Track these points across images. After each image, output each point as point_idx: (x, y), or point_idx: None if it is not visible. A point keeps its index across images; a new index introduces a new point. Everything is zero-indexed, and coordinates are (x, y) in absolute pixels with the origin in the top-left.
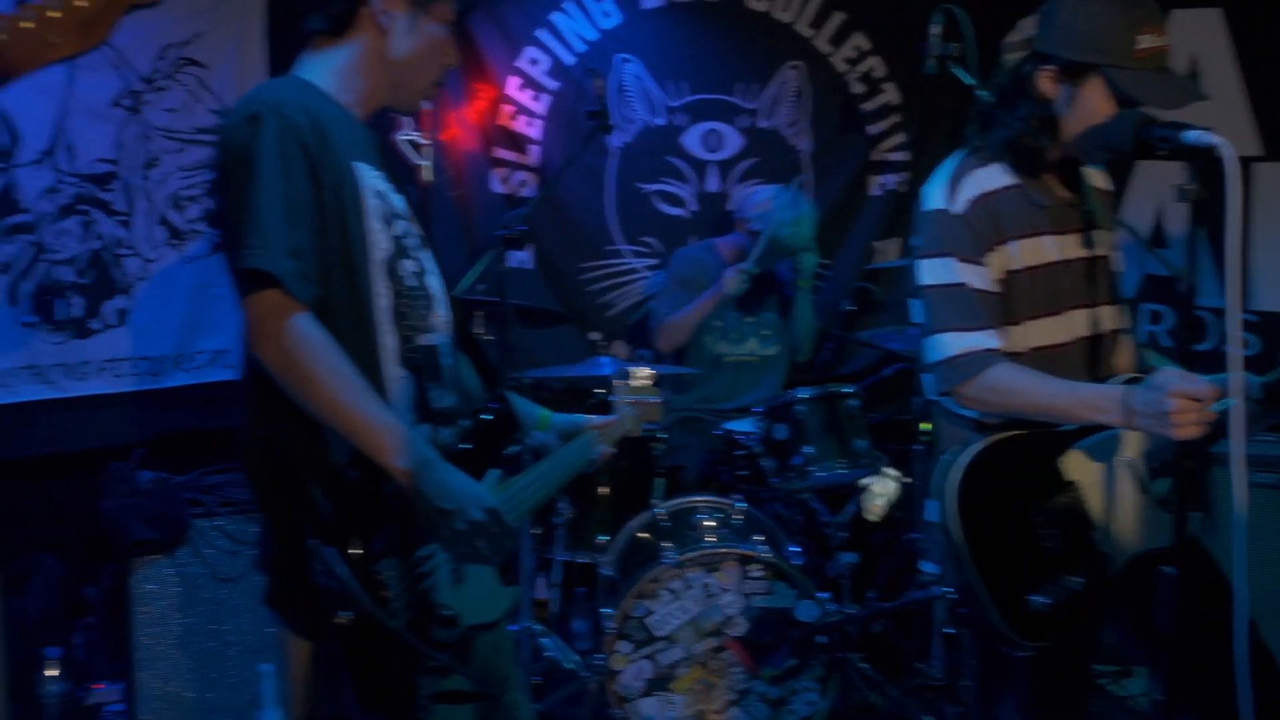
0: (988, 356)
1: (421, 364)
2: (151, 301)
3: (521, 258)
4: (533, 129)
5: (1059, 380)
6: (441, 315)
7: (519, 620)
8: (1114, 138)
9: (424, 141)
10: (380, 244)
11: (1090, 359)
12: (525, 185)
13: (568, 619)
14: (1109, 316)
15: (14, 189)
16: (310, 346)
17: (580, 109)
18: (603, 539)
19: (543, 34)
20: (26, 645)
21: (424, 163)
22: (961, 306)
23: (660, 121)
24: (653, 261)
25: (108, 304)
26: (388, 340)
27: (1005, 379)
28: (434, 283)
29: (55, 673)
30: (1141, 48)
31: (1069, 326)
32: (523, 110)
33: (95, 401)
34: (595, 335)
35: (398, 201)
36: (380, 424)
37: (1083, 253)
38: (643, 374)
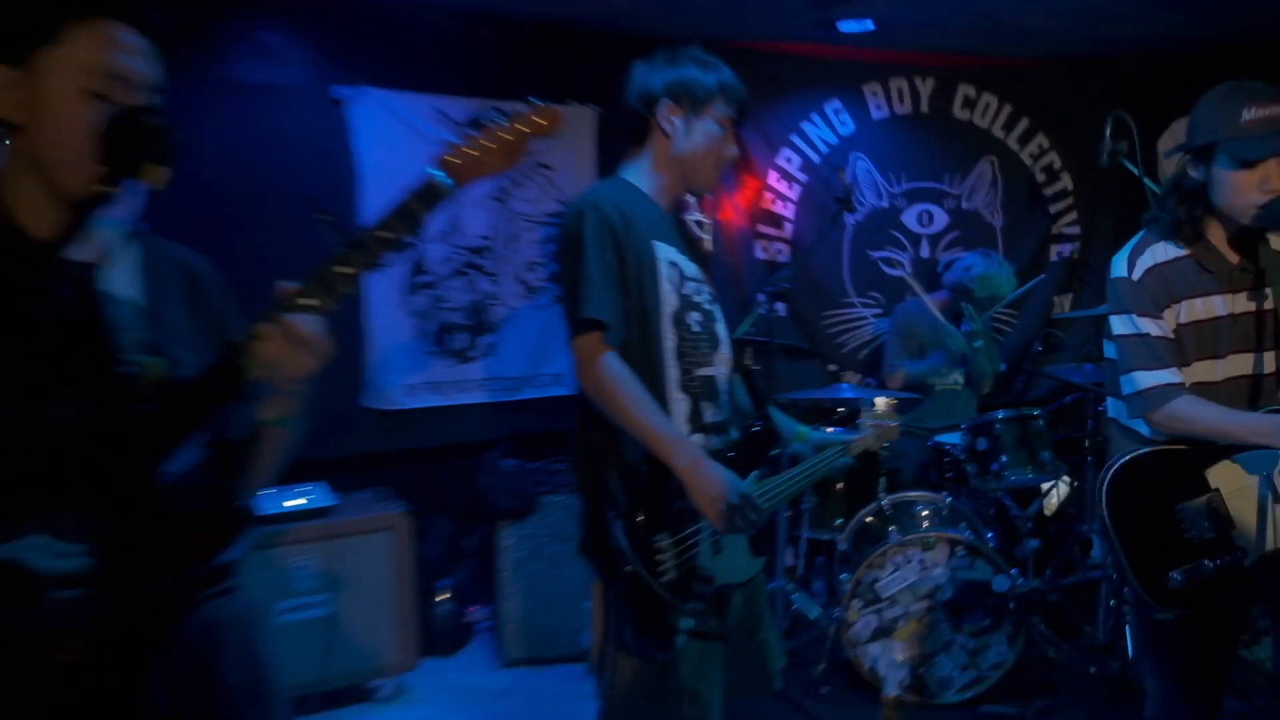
0: (1171, 390)
1: (699, 389)
2: (511, 338)
3: (778, 307)
4: (787, 210)
5: (1231, 410)
6: (724, 353)
7: (776, 580)
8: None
9: (706, 220)
10: (669, 301)
11: (1252, 393)
12: (780, 253)
13: (810, 581)
14: (1272, 359)
15: (423, 259)
16: (616, 377)
17: (824, 195)
18: (839, 521)
19: (795, 139)
20: (425, 579)
21: (705, 236)
22: (1146, 351)
23: (885, 204)
24: (877, 310)
25: (482, 339)
26: (671, 372)
27: (1186, 408)
28: (720, 329)
29: (445, 598)
30: (1247, 119)
31: (1227, 367)
32: (779, 196)
33: (472, 409)
34: (832, 366)
35: (689, 268)
36: (665, 434)
37: (1251, 307)
38: (885, 403)
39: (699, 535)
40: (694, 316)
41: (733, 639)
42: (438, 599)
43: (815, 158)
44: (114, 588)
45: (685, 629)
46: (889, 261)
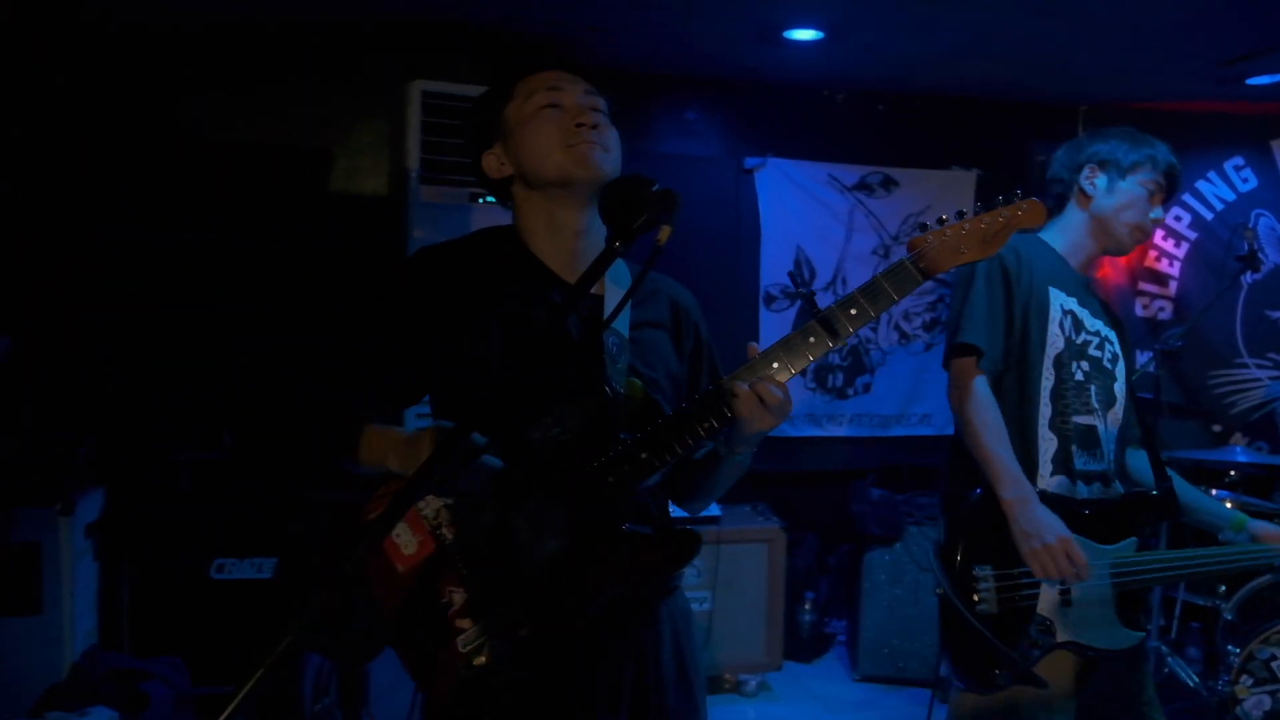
0: None
1: (1071, 433)
2: (885, 379)
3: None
4: (1172, 268)
5: None
6: (1116, 412)
7: (1148, 640)
8: None
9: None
10: (1055, 343)
11: None
12: (1162, 310)
13: (1183, 645)
14: None
15: (814, 306)
16: (978, 400)
17: (1216, 253)
18: (1222, 588)
19: (1188, 198)
20: (793, 588)
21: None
22: None
23: None
24: (1275, 373)
25: (858, 379)
26: (1044, 409)
27: None
28: (1118, 389)
29: (808, 608)
30: None
31: None
32: (1164, 254)
33: (846, 441)
34: (1217, 427)
35: (1092, 323)
36: (1001, 463)
37: None
38: None
39: (1037, 579)
40: (1081, 365)
41: (1105, 710)
42: (803, 608)
43: (1208, 215)
44: (568, 587)
45: (1009, 667)
46: None
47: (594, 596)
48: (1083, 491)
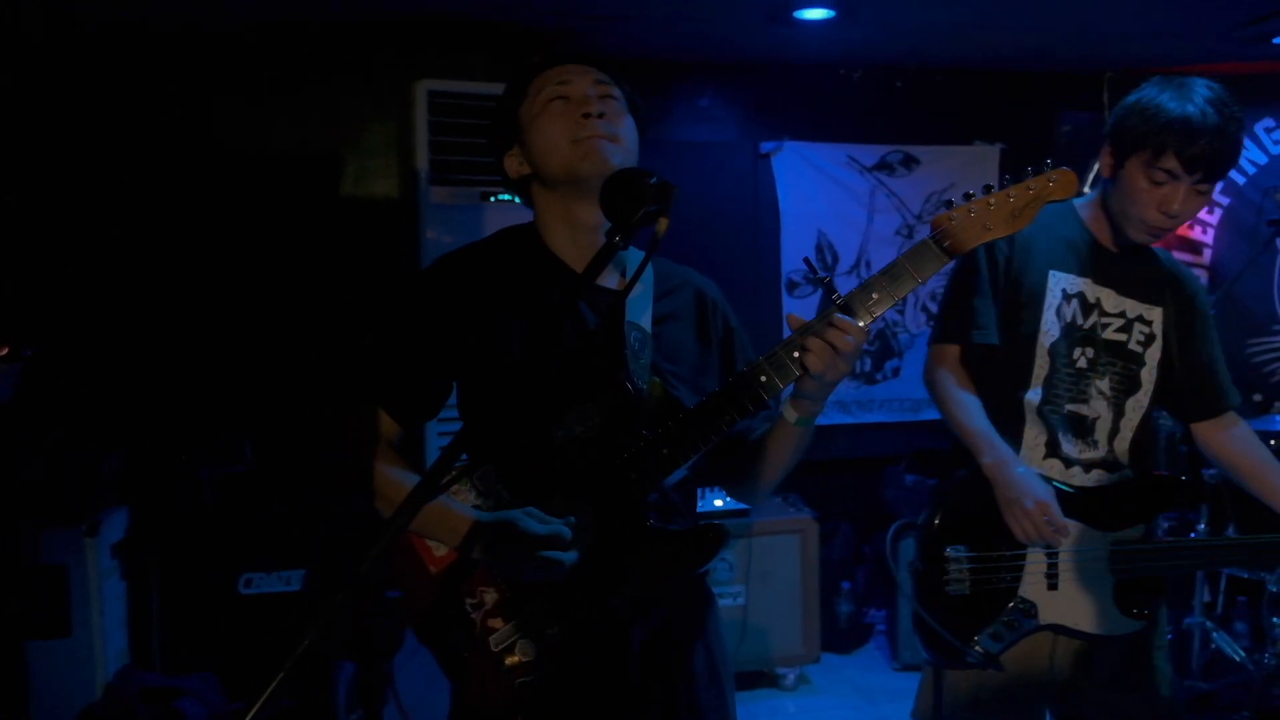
0: None
1: (1059, 421)
2: (914, 362)
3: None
4: (1206, 236)
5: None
6: (1126, 393)
7: (1193, 616)
8: None
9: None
10: (1050, 332)
11: None
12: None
13: (1230, 620)
14: None
15: (835, 290)
16: (942, 381)
17: (1250, 218)
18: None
19: None
20: (829, 578)
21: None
22: None
23: None
24: None
25: (887, 363)
26: (1032, 395)
27: None
28: (1143, 375)
29: (845, 599)
30: None
31: None
32: (1197, 221)
33: (876, 427)
34: (1257, 396)
35: (1115, 302)
36: (977, 433)
37: None
38: None
39: (1020, 562)
40: (1086, 351)
41: (1097, 695)
42: (840, 598)
43: (1240, 179)
44: (595, 586)
45: (981, 647)
46: None
47: (621, 593)
48: (1080, 477)
